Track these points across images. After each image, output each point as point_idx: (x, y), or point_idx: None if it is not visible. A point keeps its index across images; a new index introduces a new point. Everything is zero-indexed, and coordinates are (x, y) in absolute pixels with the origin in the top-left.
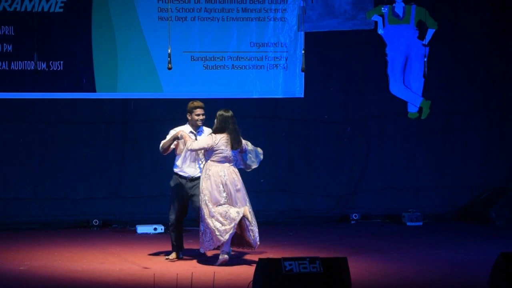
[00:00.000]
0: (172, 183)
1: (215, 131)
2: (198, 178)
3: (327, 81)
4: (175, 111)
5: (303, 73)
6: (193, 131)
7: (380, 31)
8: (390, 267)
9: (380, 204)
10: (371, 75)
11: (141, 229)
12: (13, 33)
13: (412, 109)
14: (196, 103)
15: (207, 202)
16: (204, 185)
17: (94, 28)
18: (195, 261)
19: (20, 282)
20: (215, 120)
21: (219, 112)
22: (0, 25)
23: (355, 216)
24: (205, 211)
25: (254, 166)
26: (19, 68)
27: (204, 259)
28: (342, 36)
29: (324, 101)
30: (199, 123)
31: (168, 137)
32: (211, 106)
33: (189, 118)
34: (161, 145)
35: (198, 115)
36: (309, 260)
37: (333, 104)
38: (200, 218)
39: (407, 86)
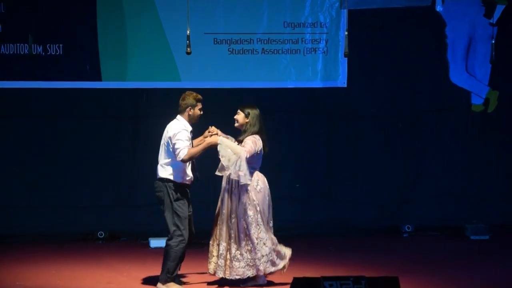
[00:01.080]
0: (179, 194)
1: (255, 133)
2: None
3: (374, 68)
4: None
5: (346, 58)
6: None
7: (438, 8)
8: None
9: (438, 214)
10: (427, 60)
11: (155, 242)
12: (3, 11)
13: (477, 101)
14: (199, 95)
15: (259, 222)
16: (256, 198)
17: (100, 5)
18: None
19: None
20: (249, 119)
21: (254, 111)
22: None
23: (408, 227)
24: (257, 232)
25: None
26: (11, 52)
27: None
28: (393, 14)
29: (370, 91)
30: (198, 119)
31: (187, 137)
32: (236, 97)
33: (190, 112)
34: (190, 153)
35: (201, 110)
36: (353, 280)
37: (381, 95)
38: (249, 239)
39: (471, 73)
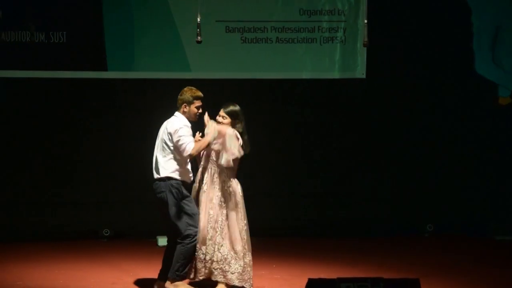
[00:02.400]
0: (184, 191)
1: (239, 134)
2: None
3: (395, 59)
4: (206, 95)
5: (365, 48)
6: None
7: None
8: None
9: (461, 213)
10: (452, 50)
11: (163, 241)
12: None
13: (504, 93)
14: (198, 92)
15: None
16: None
17: None
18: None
19: None
20: (235, 119)
21: (237, 109)
22: None
23: (430, 227)
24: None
25: None
26: (11, 40)
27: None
28: (415, 1)
29: (390, 83)
30: (197, 118)
31: (190, 132)
32: (249, 88)
33: (185, 109)
34: (198, 146)
35: (199, 107)
36: (370, 282)
37: (401, 87)
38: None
39: (498, 64)
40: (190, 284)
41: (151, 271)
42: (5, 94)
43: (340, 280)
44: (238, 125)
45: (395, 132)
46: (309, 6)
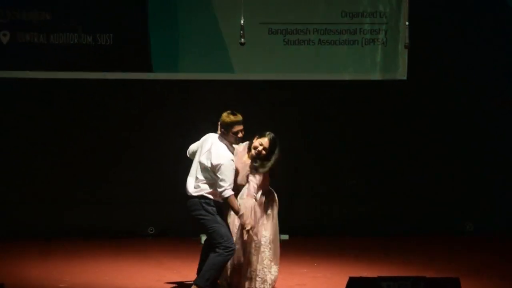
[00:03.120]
0: (216, 209)
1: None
2: None
3: (436, 60)
4: (249, 96)
5: (406, 50)
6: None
7: None
8: None
9: (501, 212)
10: (492, 51)
11: None
12: None
13: None
14: (235, 117)
15: None
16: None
17: None
18: None
19: None
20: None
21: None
22: None
23: (470, 227)
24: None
25: None
26: (59, 42)
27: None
28: (456, 3)
29: (432, 85)
30: (238, 141)
31: (232, 171)
32: (291, 89)
33: (225, 135)
34: (229, 201)
35: (238, 132)
36: (412, 281)
37: (442, 88)
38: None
39: None
40: None
41: (194, 269)
42: (52, 94)
43: (381, 278)
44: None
45: (434, 132)
46: (351, 8)
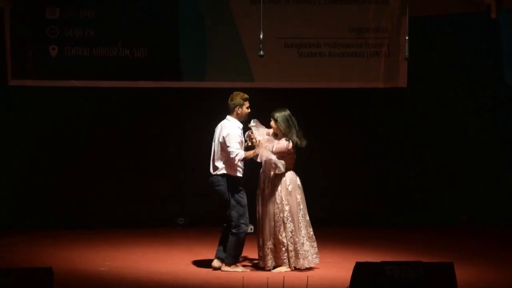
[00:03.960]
0: (237, 186)
1: (286, 134)
2: None
3: (434, 70)
4: (267, 101)
5: (407, 61)
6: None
7: (493, 15)
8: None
9: (496, 207)
10: (484, 63)
11: None
12: (94, 17)
13: None
14: (246, 95)
15: (286, 220)
16: (285, 198)
17: (181, 12)
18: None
19: (101, 283)
20: (279, 123)
21: (280, 114)
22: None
23: (463, 218)
24: (283, 230)
25: None
26: (101, 55)
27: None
28: (450, 20)
29: (428, 91)
30: (247, 117)
31: (239, 139)
32: (305, 97)
33: (238, 111)
34: (242, 156)
35: (248, 107)
36: (411, 265)
37: (438, 95)
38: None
39: None
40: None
41: None
42: (93, 100)
43: (384, 263)
44: (280, 126)
45: (430, 133)
46: (357, 24)
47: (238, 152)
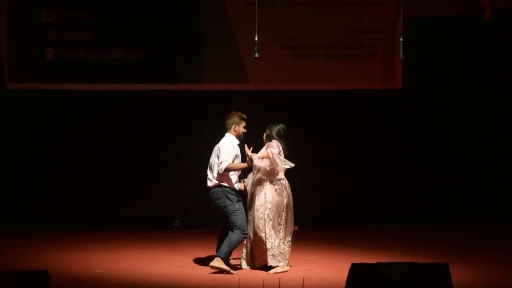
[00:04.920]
0: (236, 196)
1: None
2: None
3: (429, 71)
4: (262, 104)
5: (402, 63)
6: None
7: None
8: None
9: (492, 204)
10: (477, 64)
11: None
12: (90, 20)
13: None
14: (243, 115)
15: (267, 219)
16: (270, 198)
17: (178, 18)
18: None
19: (97, 285)
20: (281, 131)
21: (268, 132)
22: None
23: (459, 218)
24: (265, 228)
25: None
26: (97, 58)
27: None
28: (445, 22)
29: (425, 92)
30: (243, 136)
31: (232, 154)
32: (301, 98)
33: (235, 129)
34: (228, 167)
35: (245, 127)
36: (406, 266)
37: (433, 95)
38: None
39: None
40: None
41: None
42: (90, 103)
43: (380, 264)
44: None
45: (425, 132)
46: (353, 26)
47: (223, 161)
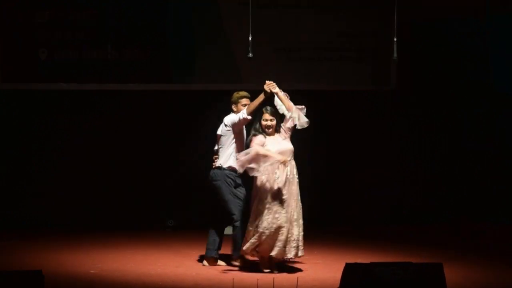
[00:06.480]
0: (236, 179)
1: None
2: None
3: (423, 72)
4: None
5: (395, 64)
6: None
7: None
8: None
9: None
10: (472, 67)
11: (228, 230)
12: (84, 20)
13: None
14: (243, 93)
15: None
16: (261, 184)
17: (171, 15)
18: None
19: (91, 286)
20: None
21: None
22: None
23: (452, 217)
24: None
25: None
26: (90, 58)
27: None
28: (439, 24)
29: (419, 94)
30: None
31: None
32: (296, 99)
33: (235, 109)
34: (250, 108)
35: (245, 105)
36: (400, 266)
37: (427, 96)
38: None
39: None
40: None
41: None
42: (83, 103)
43: (374, 264)
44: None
45: (421, 133)
46: (347, 27)
47: (237, 116)
